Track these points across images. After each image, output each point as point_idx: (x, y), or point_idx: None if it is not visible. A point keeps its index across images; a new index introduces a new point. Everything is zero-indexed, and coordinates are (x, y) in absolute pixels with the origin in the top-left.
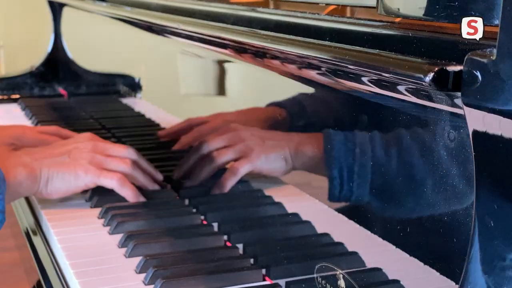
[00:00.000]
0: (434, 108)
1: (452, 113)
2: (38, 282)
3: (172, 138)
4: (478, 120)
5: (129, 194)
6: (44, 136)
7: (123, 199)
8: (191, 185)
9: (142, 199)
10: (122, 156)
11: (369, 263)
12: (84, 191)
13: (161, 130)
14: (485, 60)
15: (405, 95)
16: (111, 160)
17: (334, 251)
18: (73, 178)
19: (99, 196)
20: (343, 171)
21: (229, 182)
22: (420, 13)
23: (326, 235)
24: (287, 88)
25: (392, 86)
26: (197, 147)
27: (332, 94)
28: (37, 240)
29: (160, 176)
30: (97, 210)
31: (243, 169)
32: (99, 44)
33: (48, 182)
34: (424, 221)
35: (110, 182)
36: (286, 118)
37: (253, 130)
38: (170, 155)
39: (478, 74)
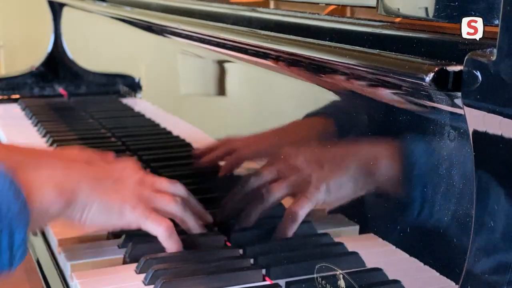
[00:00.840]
0: (434, 108)
1: (452, 113)
2: (38, 281)
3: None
4: (478, 120)
5: (173, 247)
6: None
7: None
8: (240, 229)
9: (182, 248)
10: (171, 192)
11: (369, 263)
12: None
13: (201, 160)
14: (485, 60)
15: (405, 95)
16: (160, 198)
17: (334, 251)
18: (116, 213)
19: None
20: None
21: (290, 230)
22: (420, 13)
23: (326, 235)
24: (288, 88)
25: (392, 86)
26: (242, 182)
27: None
28: (37, 240)
29: (209, 218)
30: None
31: (303, 211)
32: (99, 44)
33: (85, 210)
34: (424, 221)
35: (156, 229)
36: (334, 128)
37: (307, 153)
38: (170, 155)
39: (478, 74)
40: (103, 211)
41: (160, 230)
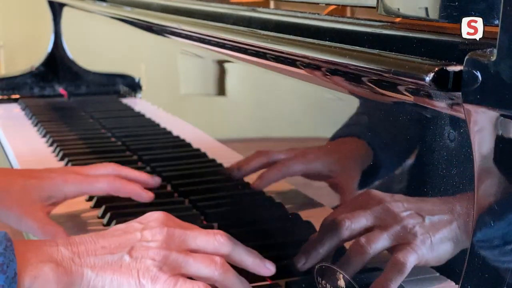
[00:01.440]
0: (434, 108)
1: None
2: None
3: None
4: (478, 120)
5: None
6: (92, 179)
7: (123, 200)
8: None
9: None
10: (210, 251)
11: (369, 263)
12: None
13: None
14: (485, 60)
15: (405, 95)
16: (192, 261)
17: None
18: None
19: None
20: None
21: (395, 283)
22: (420, 13)
23: None
24: (288, 89)
25: (392, 86)
26: (331, 227)
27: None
28: None
29: (272, 268)
30: (98, 210)
31: (410, 263)
32: (99, 44)
33: None
34: (424, 221)
35: None
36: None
37: (403, 196)
38: (170, 155)
39: (478, 74)
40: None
41: None
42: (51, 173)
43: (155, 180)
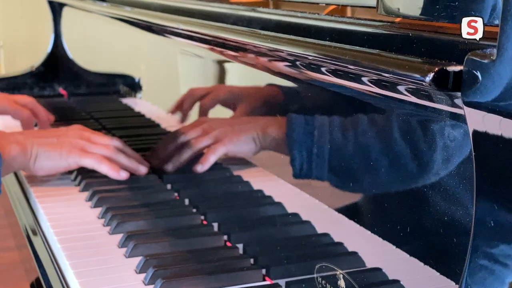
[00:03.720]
0: (434, 108)
1: (452, 113)
2: (37, 281)
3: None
4: (478, 120)
5: (108, 170)
6: (17, 106)
7: (123, 200)
8: (171, 170)
9: (123, 174)
10: (105, 143)
11: (369, 263)
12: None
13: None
14: (485, 60)
15: (405, 95)
16: (94, 145)
17: (334, 251)
18: (57, 157)
19: (99, 195)
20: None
21: (208, 161)
22: (420, 13)
23: (326, 235)
24: (287, 88)
25: (392, 86)
26: (174, 137)
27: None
28: (37, 240)
29: (144, 167)
30: (98, 210)
31: (220, 149)
32: (99, 44)
33: (36, 159)
34: (424, 221)
35: (89, 161)
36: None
37: (224, 119)
38: None
39: (478, 74)
40: (47, 158)
41: (91, 161)
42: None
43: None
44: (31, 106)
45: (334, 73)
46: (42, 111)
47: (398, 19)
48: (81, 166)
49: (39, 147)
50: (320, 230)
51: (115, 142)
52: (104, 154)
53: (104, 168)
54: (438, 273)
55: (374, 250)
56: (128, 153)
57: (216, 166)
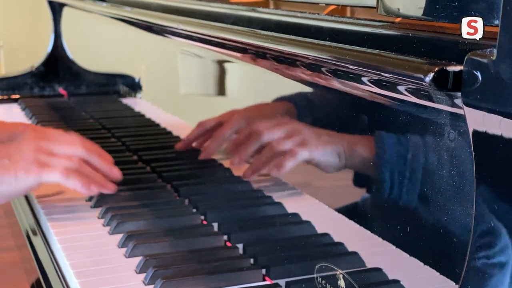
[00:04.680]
0: (433, 108)
1: (452, 113)
2: (38, 281)
3: (189, 147)
4: (478, 120)
5: (78, 185)
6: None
7: (123, 200)
8: (251, 174)
9: (94, 188)
10: (68, 153)
11: (369, 263)
12: None
13: (177, 143)
14: (485, 60)
15: (405, 95)
16: (55, 157)
17: (334, 251)
18: (13, 181)
19: (99, 195)
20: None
21: (288, 164)
22: (420, 13)
23: (326, 235)
24: (287, 88)
25: (392, 86)
26: (254, 136)
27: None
28: (37, 240)
29: (116, 173)
30: (98, 210)
31: (302, 154)
32: (99, 44)
33: None
34: (424, 221)
35: (53, 176)
36: (294, 114)
37: (308, 125)
38: (170, 155)
39: (478, 74)
40: (2, 184)
41: (56, 176)
42: (17, 123)
43: (115, 174)
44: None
45: (334, 73)
46: (98, 165)
47: (398, 19)
48: (45, 183)
49: None
50: (320, 230)
51: (80, 151)
52: (69, 166)
53: (73, 183)
54: (438, 273)
55: (374, 250)
56: (95, 163)
57: (216, 166)
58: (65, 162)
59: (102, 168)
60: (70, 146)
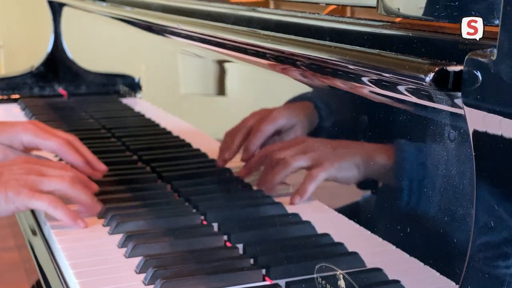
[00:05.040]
0: (434, 108)
1: (452, 113)
2: (38, 282)
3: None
4: (478, 120)
5: (63, 218)
6: (47, 135)
7: (123, 200)
8: (263, 188)
9: (81, 223)
10: (60, 175)
11: (369, 263)
12: None
13: (240, 171)
14: (485, 60)
15: (405, 95)
16: (46, 180)
17: (334, 251)
18: (3, 201)
19: (99, 196)
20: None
21: (309, 188)
22: (420, 13)
23: (326, 235)
24: (287, 88)
25: (392, 86)
26: (266, 152)
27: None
28: (37, 240)
29: (100, 205)
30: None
31: (320, 176)
32: (99, 44)
33: None
34: (424, 221)
35: (41, 204)
36: (304, 127)
37: (322, 139)
38: (170, 155)
39: (478, 74)
40: None
41: (44, 205)
42: (15, 122)
43: (100, 166)
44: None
45: (334, 73)
46: (84, 152)
47: (398, 19)
48: (32, 209)
49: None
50: (320, 230)
51: (71, 173)
52: (60, 190)
53: (59, 215)
54: (438, 273)
55: (374, 250)
56: (86, 183)
57: (216, 166)
58: (57, 184)
59: (86, 182)
60: (62, 168)
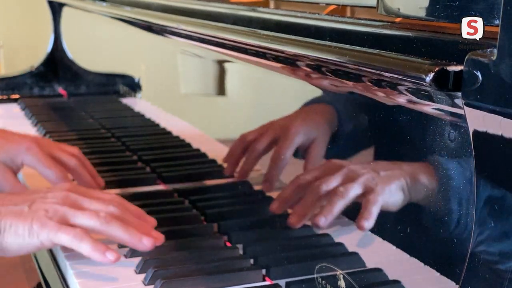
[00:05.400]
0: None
1: (452, 113)
2: (39, 284)
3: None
4: (478, 120)
5: (90, 253)
6: (48, 164)
7: None
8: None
9: (111, 256)
10: (97, 209)
11: (369, 263)
12: None
13: (272, 205)
14: (485, 60)
15: (405, 95)
16: (80, 213)
17: (334, 251)
18: (27, 233)
19: None
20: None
21: (373, 214)
22: (420, 13)
23: (326, 235)
24: (287, 88)
25: (392, 86)
26: (303, 182)
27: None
28: None
29: (148, 240)
30: None
31: (379, 199)
32: (99, 44)
33: (1, 235)
34: (424, 221)
35: (66, 238)
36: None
37: (363, 164)
38: (170, 155)
39: (479, 74)
40: (14, 234)
41: (68, 238)
42: (20, 138)
43: (98, 183)
44: (73, 166)
45: (334, 73)
46: (84, 179)
47: (398, 19)
48: (57, 244)
49: (4, 218)
50: (320, 230)
51: (111, 208)
52: (92, 226)
53: (85, 249)
54: (438, 273)
55: (374, 250)
56: (129, 219)
57: (216, 166)
58: (91, 220)
59: (134, 222)
60: (104, 200)
